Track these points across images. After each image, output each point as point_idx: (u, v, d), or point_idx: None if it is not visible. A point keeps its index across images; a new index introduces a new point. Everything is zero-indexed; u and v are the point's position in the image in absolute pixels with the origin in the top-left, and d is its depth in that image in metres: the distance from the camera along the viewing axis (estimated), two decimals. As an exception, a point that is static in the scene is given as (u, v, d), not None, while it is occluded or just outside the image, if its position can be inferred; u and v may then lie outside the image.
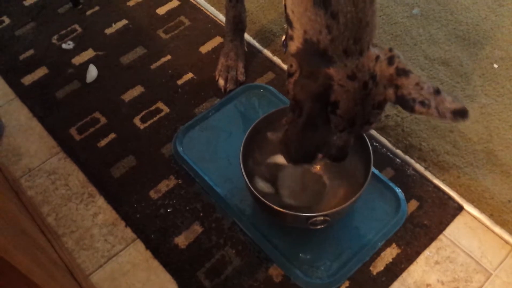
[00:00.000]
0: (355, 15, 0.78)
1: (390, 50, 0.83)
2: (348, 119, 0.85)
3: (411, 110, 0.80)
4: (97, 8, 1.54)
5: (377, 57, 0.81)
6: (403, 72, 0.81)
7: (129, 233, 1.10)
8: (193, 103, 1.30)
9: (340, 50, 0.80)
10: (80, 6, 1.55)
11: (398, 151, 1.20)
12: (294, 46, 0.85)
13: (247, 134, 1.06)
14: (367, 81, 0.81)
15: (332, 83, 0.81)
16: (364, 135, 1.04)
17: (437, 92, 0.79)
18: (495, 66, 1.31)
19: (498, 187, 1.13)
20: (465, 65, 1.32)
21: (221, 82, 1.32)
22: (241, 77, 1.33)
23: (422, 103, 0.79)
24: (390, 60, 0.81)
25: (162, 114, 1.28)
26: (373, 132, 1.23)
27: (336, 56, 0.80)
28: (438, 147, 1.19)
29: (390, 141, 1.21)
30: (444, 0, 1.46)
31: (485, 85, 1.29)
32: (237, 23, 1.29)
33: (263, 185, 1.08)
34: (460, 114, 0.78)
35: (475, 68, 1.32)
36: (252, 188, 0.99)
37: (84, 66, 1.39)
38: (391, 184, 1.13)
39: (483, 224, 1.09)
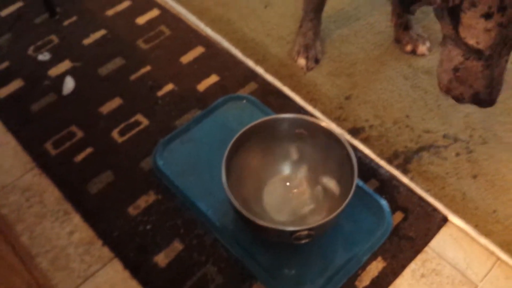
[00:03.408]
0: None
1: None
2: None
3: None
4: (74, 18, 1.50)
5: None
6: None
7: (106, 252, 1.06)
8: (174, 115, 1.27)
9: None
10: (57, 17, 1.51)
11: (383, 162, 1.18)
12: None
13: (229, 146, 1.03)
14: None
15: None
16: (348, 145, 1.02)
17: None
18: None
19: (483, 197, 1.12)
20: (448, 74, 1.31)
21: (302, 61, 1.34)
22: (320, 56, 1.36)
23: None
24: None
25: (142, 126, 1.25)
26: (357, 143, 1.21)
27: None
28: (422, 157, 1.18)
29: (374, 152, 1.20)
30: (427, 9, 1.46)
31: (468, 94, 1.28)
32: (321, 2, 1.31)
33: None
34: None
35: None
36: (234, 203, 0.96)
37: (61, 78, 1.35)
38: (376, 196, 1.11)
39: (468, 235, 1.08)
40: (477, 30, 0.91)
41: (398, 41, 1.38)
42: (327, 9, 1.38)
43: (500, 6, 0.86)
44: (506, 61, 0.98)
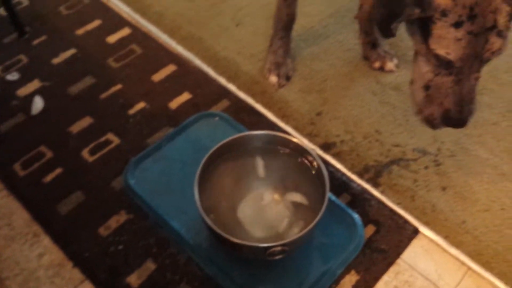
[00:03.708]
0: None
1: None
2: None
3: None
4: (44, 37, 1.49)
5: None
6: None
7: (77, 273, 1.04)
8: (145, 133, 1.27)
9: None
10: (26, 36, 1.49)
11: (354, 176, 1.20)
12: None
13: (202, 163, 1.03)
14: None
15: None
16: (319, 161, 1.03)
17: None
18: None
19: (452, 208, 1.14)
20: (415, 89, 1.35)
21: (274, 78, 1.36)
22: (291, 73, 1.37)
23: None
24: None
25: (112, 145, 1.24)
26: (329, 157, 1.23)
27: None
28: (392, 171, 1.20)
29: (345, 166, 1.21)
30: (392, 26, 1.50)
31: (435, 108, 1.32)
32: (291, 21, 1.33)
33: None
34: None
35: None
36: (207, 221, 0.96)
37: (30, 97, 1.33)
38: (348, 209, 1.12)
39: (439, 246, 1.10)
40: (447, 40, 0.90)
41: (366, 58, 1.41)
42: (297, 28, 1.41)
43: (470, 15, 0.86)
44: (477, 79, 0.97)
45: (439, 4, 0.88)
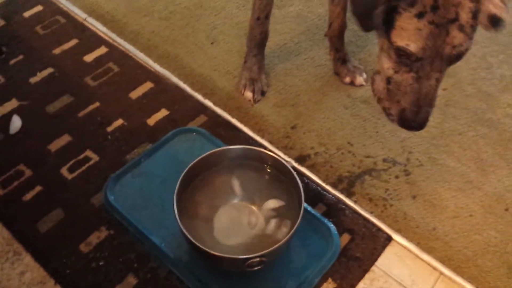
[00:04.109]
0: None
1: None
2: None
3: None
4: (21, 57, 1.50)
5: None
6: None
7: (58, 291, 1.04)
8: (124, 150, 1.29)
9: None
10: (3, 56, 1.50)
11: (328, 187, 1.24)
12: None
13: (180, 178, 1.05)
14: None
15: None
16: (294, 173, 1.07)
17: None
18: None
19: (422, 215, 1.19)
20: (384, 102, 1.40)
21: (249, 94, 1.40)
22: (266, 88, 1.42)
23: None
24: None
25: (91, 162, 1.25)
26: (304, 169, 1.27)
27: None
28: (365, 181, 1.25)
29: (320, 177, 1.25)
30: (362, 42, 1.57)
31: (404, 120, 1.38)
32: (263, 39, 1.38)
33: None
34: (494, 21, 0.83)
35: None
36: (187, 234, 0.98)
37: (7, 117, 1.34)
38: (323, 219, 1.16)
39: (411, 252, 1.14)
40: (408, 31, 0.89)
41: (337, 73, 1.47)
42: (270, 45, 1.46)
43: (433, 6, 0.86)
44: (438, 80, 0.95)
45: None
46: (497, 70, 1.50)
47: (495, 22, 0.87)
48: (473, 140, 1.34)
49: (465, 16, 0.87)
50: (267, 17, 1.34)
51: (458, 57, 0.92)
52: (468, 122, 1.38)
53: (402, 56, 0.94)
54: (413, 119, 0.98)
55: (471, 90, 1.46)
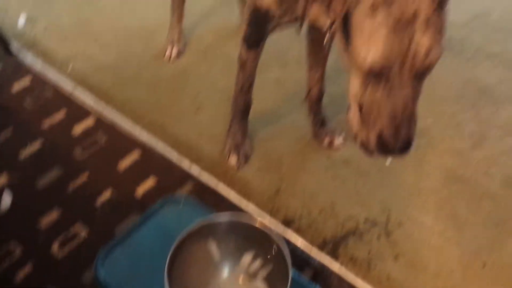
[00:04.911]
0: None
1: None
2: None
3: None
4: (10, 130, 1.53)
5: None
6: None
7: None
8: (113, 222, 1.31)
9: None
10: (-9, 129, 1.54)
11: (314, 250, 1.28)
12: None
13: (170, 254, 1.08)
14: None
15: None
16: (280, 239, 1.10)
17: None
18: (387, 163, 1.46)
19: (405, 276, 1.24)
20: (363, 164, 1.47)
21: (234, 160, 1.46)
22: (250, 153, 1.50)
23: None
24: None
25: (81, 237, 1.27)
26: (290, 233, 1.31)
27: None
28: (348, 243, 1.30)
29: (306, 240, 1.30)
30: (340, 103, 1.64)
31: (384, 180, 1.44)
32: (247, 107, 1.45)
33: None
34: None
35: (372, 165, 1.47)
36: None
37: (-2, 192, 1.37)
38: (311, 285, 1.19)
39: (396, 313, 1.18)
40: (367, 35, 0.82)
41: (316, 136, 1.54)
42: (252, 110, 1.53)
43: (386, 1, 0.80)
44: (415, 94, 0.85)
45: None
46: (466, 126, 1.59)
47: None
48: (448, 198, 1.40)
49: (424, 13, 0.79)
50: (250, 86, 1.41)
51: (428, 67, 0.84)
52: (441, 180, 1.45)
53: (368, 75, 0.86)
54: (393, 141, 0.87)
55: (442, 148, 1.53)
